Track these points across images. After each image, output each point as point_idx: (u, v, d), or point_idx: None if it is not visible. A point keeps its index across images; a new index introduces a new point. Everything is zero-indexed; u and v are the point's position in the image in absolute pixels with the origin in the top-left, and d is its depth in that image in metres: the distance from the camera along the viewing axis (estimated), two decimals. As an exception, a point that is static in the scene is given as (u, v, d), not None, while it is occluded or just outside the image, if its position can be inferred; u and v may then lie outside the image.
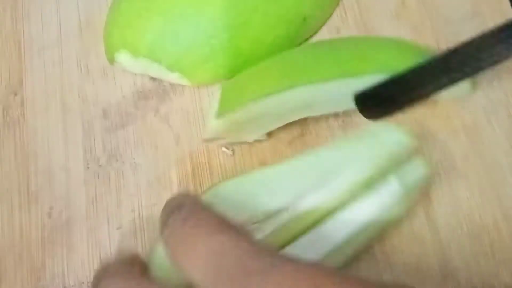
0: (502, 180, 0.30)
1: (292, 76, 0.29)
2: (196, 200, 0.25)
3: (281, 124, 0.30)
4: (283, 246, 0.28)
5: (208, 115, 0.34)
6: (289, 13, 0.33)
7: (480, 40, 0.27)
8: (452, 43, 0.33)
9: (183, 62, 0.32)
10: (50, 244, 0.33)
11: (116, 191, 0.34)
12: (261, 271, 0.20)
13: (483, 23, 0.33)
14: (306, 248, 0.27)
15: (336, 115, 0.33)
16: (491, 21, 0.33)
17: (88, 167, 0.34)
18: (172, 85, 0.35)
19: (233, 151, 0.33)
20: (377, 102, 0.30)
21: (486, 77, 0.32)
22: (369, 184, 0.27)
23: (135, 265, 0.26)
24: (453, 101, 0.32)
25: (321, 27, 0.35)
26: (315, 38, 0.35)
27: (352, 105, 0.29)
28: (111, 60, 0.34)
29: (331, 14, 0.35)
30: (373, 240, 0.29)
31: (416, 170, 0.28)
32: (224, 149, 0.33)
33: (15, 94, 0.37)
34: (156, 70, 0.33)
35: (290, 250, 0.27)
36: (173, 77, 0.33)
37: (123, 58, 0.33)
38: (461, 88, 0.29)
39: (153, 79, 0.35)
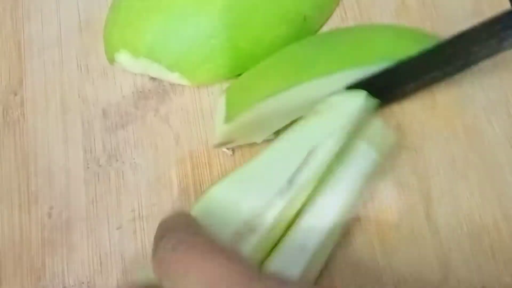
0: (502, 180, 0.30)
1: (296, 73, 0.29)
2: (188, 223, 0.25)
3: (288, 122, 0.30)
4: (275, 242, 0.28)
5: (212, 116, 0.34)
6: (289, 13, 0.33)
7: (472, 33, 0.27)
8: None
9: (183, 62, 0.33)
10: (50, 244, 0.33)
11: (116, 191, 0.34)
12: None
13: (483, 23, 0.33)
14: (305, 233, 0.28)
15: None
16: (491, 21, 0.33)
17: (88, 167, 0.34)
18: (172, 85, 0.35)
19: (233, 151, 0.33)
20: (369, 93, 0.29)
21: (486, 77, 0.32)
22: (341, 153, 0.28)
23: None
24: (453, 101, 0.32)
25: (321, 27, 0.35)
26: (315, 38, 0.35)
27: None
28: (111, 60, 0.34)
29: (331, 14, 0.35)
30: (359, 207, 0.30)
31: (381, 131, 0.29)
32: (224, 149, 0.33)
33: (15, 94, 0.37)
34: (156, 70, 0.33)
35: (289, 243, 0.28)
36: (173, 77, 0.33)
37: (123, 58, 0.33)
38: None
39: (153, 79, 0.35)
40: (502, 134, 0.31)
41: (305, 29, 0.34)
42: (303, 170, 0.28)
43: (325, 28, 0.35)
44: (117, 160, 0.34)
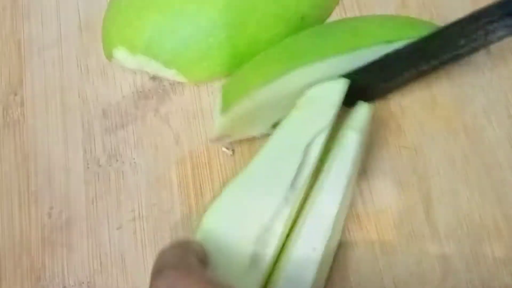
0: (502, 180, 0.30)
1: (290, 61, 0.29)
2: (186, 258, 0.24)
3: (285, 113, 0.30)
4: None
5: (212, 115, 0.34)
6: (287, 12, 0.33)
7: (458, 26, 0.27)
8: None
9: (180, 59, 0.32)
10: (50, 244, 0.33)
11: (116, 191, 0.34)
12: None
13: (483, 23, 0.33)
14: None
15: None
16: (491, 21, 0.33)
17: (88, 167, 0.34)
18: (172, 85, 0.35)
19: (233, 151, 0.33)
20: (355, 89, 0.29)
21: (486, 77, 0.32)
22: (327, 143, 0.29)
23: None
24: (453, 101, 0.32)
25: (321, 27, 0.35)
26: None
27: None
28: (109, 57, 0.34)
29: (330, 14, 0.35)
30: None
31: (362, 113, 0.29)
32: (224, 149, 0.33)
33: (15, 94, 0.37)
34: (154, 67, 0.33)
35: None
36: (170, 74, 0.33)
37: (121, 54, 0.33)
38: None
39: (153, 79, 0.35)
40: (502, 134, 0.31)
41: (303, 28, 0.34)
42: (303, 171, 0.28)
43: (325, 28, 0.35)
44: (117, 160, 0.34)
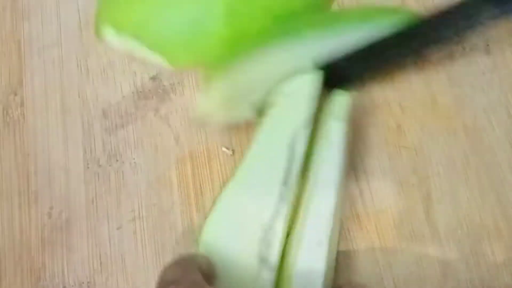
0: (502, 180, 0.30)
1: (266, 40, 0.30)
2: (189, 275, 0.24)
3: (267, 94, 0.30)
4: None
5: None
6: (277, 6, 0.32)
7: (442, 14, 0.27)
8: (452, 43, 0.33)
9: (165, 44, 0.32)
10: (50, 244, 0.33)
11: (116, 191, 0.34)
12: None
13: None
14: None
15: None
16: (491, 21, 0.33)
17: (88, 167, 0.34)
18: (172, 85, 0.35)
19: (233, 151, 0.33)
20: (337, 74, 0.30)
21: (486, 77, 0.32)
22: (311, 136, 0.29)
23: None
24: (453, 101, 0.32)
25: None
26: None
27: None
28: (98, 34, 0.34)
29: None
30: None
31: (342, 101, 0.29)
32: (224, 149, 0.33)
33: (15, 94, 0.37)
34: (139, 49, 0.33)
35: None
36: (155, 58, 0.33)
37: (109, 33, 0.33)
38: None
39: (153, 79, 0.35)
40: (502, 134, 0.31)
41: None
42: (292, 166, 0.28)
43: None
44: (117, 160, 0.34)
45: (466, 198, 0.30)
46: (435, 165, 0.31)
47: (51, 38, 0.38)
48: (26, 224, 0.34)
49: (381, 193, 0.31)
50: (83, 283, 0.32)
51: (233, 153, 0.33)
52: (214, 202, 0.29)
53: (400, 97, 0.33)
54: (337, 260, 0.30)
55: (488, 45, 0.33)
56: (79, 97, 0.36)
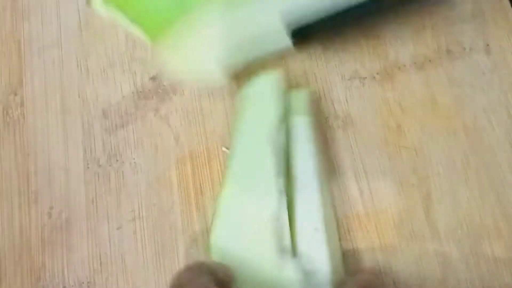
0: (502, 180, 0.30)
1: None
2: (200, 279, 0.25)
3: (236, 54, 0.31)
4: None
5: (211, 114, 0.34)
6: None
7: None
8: (452, 43, 0.33)
9: (146, 20, 0.34)
10: (50, 244, 0.33)
11: (116, 191, 0.34)
12: None
13: (483, 23, 0.33)
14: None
15: (336, 115, 0.33)
16: (491, 21, 0.33)
17: (88, 167, 0.34)
18: (172, 85, 0.35)
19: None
20: (307, 33, 0.30)
21: (486, 77, 0.32)
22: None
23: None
24: (453, 101, 0.32)
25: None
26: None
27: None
28: (88, 3, 0.35)
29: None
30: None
31: (302, 97, 0.31)
32: (224, 149, 0.33)
33: (15, 94, 0.37)
34: (123, 22, 0.35)
35: None
36: (137, 31, 0.35)
37: (97, 3, 0.35)
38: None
39: (153, 79, 0.35)
40: (502, 134, 0.31)
41: None
42: (279, 159, 0.29)
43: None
44: (117, 160, 0.34)
45: (466, 198, 0.30)
46: (435, 165, 0.31)
47: (51, 38, 0.38)
48: (26, 224, 0.34)
49: (381, 193, 0.31)
50: (83, 283, 0.32)
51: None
52: (215, 207, 0.30)
53: (400, 97, 0.33)
54: (337, 260, 0.30)
55: (488, 45, 0.33)
56: (79, 97, 0.36)
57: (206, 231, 0.31)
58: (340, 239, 0.30)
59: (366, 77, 0.33)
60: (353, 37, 0.34)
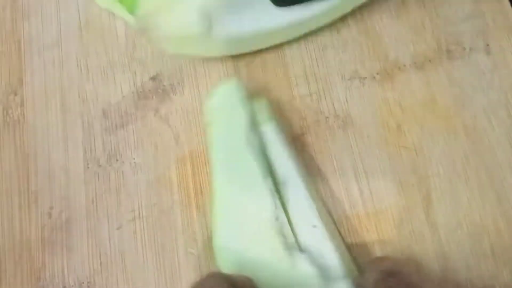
0: (502, 180, 0.30)
1: None
2: (220, 286, 0.25)
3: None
4: None
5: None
6: None
7: None
8: (452, 43, 0.33)
9: (139, 9, 0.34)
10: (50, 244, 0.33)
11: (116, 191, 0.34)
12: None
13: (483, 23, 0.33)
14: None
15: (336, 115, 0.33)
16: (491, 21, 0.33)
17: (88, 167, 0.34)
18: (172, 85, 0.35)
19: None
20: None
21: (486, 77, 0.32)
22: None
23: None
24: (453, 101, 0.32)
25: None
26: (316, 39, 0.35)
27: None
28: None
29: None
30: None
31: (258, 105, 0.32)
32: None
33: (15, 94, 0.37)
34: (118, 9, 0.35)
35: None
36: (132, 19, 0.35)
37: None
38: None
39: (153, 79, 0.35)
40: (502, 134, 0.31)
41: None
42: (261, 161, 0.30)
43: (325, 29, 0.35)
44: (117, 160, 0.34)
45: (466, 198, 0.30)
46: (435, 165, 0.31)
47: (51, 38, 0.38)
48: (26, 224, 0.34)
49: (381, 193, 0.31)
50: (83, 283, 0.32)
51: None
52: (211, 215, 0.31)
53: (400, 97, 0.33)
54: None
55: (488, 45, 0.33)
56: (79, 97, 0.36)
57: (207, 232, 0.31)
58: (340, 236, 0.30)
59: (366, 77, 0.33)
60: (353, 37, 0.34)
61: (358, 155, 0.32)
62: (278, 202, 0.29)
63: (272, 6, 0.32)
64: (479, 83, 0.32)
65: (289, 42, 0.35)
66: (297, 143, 0.33)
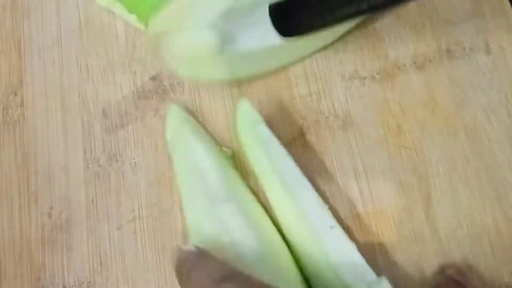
0: (502, 180, 0.30)
1: None
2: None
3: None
4: None
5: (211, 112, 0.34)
6: None
7: None
8: (452, 43, 0.33)
9: (141, 8, 0.34)
10: (50, 244, 0.33)
11: (116, 191, 0.34)
12: None
13: (483, 23, 0.33)
14: None
15: (336, 115, 0.33)
16: (491, 21, 0.33)
17: (88, 167, 0.34)
18: (172, 85, 0.35)
19: (233, 151, 0.33)
20: (289, 16, 0.30)
21: (486, 77, 0.32)
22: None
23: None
24: (453, 101, 0.32)
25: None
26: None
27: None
28: None
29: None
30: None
31: (243, 109, 0.32)
32: (224, 149, 0.33)
33: (15, 94, 0.37)
34: (119, 9, 0.36)
35: None
36: (132, 18, 0.35)
37: None
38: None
39: (153, 79, 0.35)
40: (502, 134, 0.31)
41: None
42: (210, 176, 0.31)
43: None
44: (117, 160, 0.34)
45: (466, 198, 0.30)
46: (435, 165, 0.31)
47: (51, 38, 0.38)
48: (26, 224, 0.34)
49: (381, 193, 0.31)
50: (83, 283, 0.32)
51: (232, 153, 0.33)
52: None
53: (400, 97, 0.33)
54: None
55: (488, 45, 0.33)
56: (79, 97, 0.36)
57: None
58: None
59: (366, 77, 0.33)
60: (353, 37, 0.34)
61: (358, 155, 0.32)
62: (233, 209, 0.29)
63: None
64: (479, 83, 0.32)
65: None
66: (297, 143, 0.33)
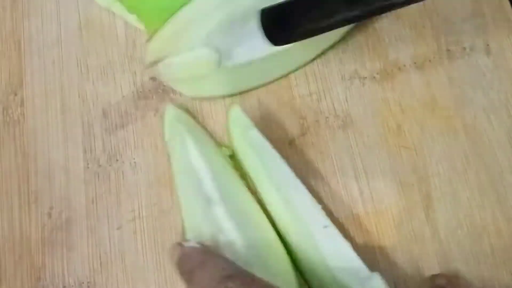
0: (502, 180, 0.30)
1: None
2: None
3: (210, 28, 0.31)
4: None
5: (211, 111, 0.34)
6: None
7: None
8: (452, 43, 0.33)
9: (141, 7, 0.34)
10: (50, 244, 0.33)
11: (116, 191, 0.33)
12: None
13: (483, 23, 0.33)
14: None
15: (336, 115, 0.33)
16: (491, 21, 0.33)
17: (88, 167, 0.34)
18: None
19: (233, 151, 0.33)
20: (281, 23, 0.30)
21: (486, 77, 0.32)
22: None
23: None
24: (453, 101, 0.32)
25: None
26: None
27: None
28: None
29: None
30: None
31: (234, 115, 0.32)
32: (224, 149, 0.33)
33: (15, 94, 0.37)
34: (119, 9, 0.36)
35: None
36: (132, 18, 0.35)
37: None
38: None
39: (153, 79, 0.35)
40: (502, 134, 0.31)
41: None
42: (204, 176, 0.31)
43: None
44: (117, 160, 0.34)
45: (466, 198, 0.30)
46: (435, 165, 0.31)
47: (51, 38, 0.38)
48: (26, 224, 0.34)
49: (381, 193, 0.31)
50: (83, 283, 0.32)
51: (232, 153, 0.33)
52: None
53: (400, 97, 0.33)
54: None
55: (488, 45, 0.33)
56: (79, 97, 0.36)
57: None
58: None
59: (366, 77, 0.33)
60: (353, 37, 0.34)
61: (358, 155, 0.32)
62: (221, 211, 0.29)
63: None
64: (479, 83, 0.32)
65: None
66: (297, 143, 0.33)
